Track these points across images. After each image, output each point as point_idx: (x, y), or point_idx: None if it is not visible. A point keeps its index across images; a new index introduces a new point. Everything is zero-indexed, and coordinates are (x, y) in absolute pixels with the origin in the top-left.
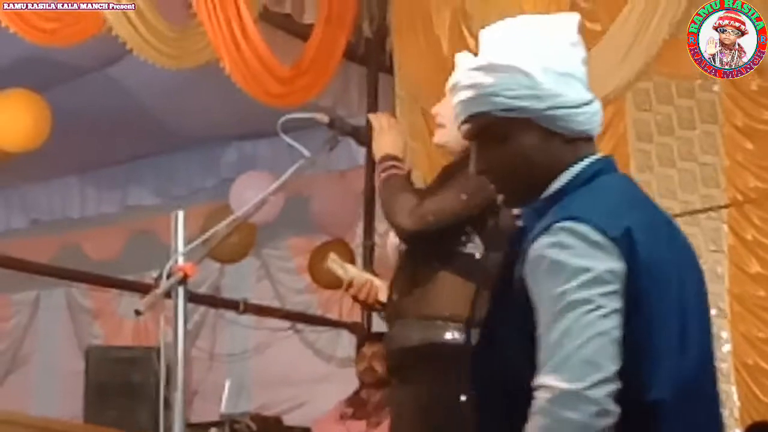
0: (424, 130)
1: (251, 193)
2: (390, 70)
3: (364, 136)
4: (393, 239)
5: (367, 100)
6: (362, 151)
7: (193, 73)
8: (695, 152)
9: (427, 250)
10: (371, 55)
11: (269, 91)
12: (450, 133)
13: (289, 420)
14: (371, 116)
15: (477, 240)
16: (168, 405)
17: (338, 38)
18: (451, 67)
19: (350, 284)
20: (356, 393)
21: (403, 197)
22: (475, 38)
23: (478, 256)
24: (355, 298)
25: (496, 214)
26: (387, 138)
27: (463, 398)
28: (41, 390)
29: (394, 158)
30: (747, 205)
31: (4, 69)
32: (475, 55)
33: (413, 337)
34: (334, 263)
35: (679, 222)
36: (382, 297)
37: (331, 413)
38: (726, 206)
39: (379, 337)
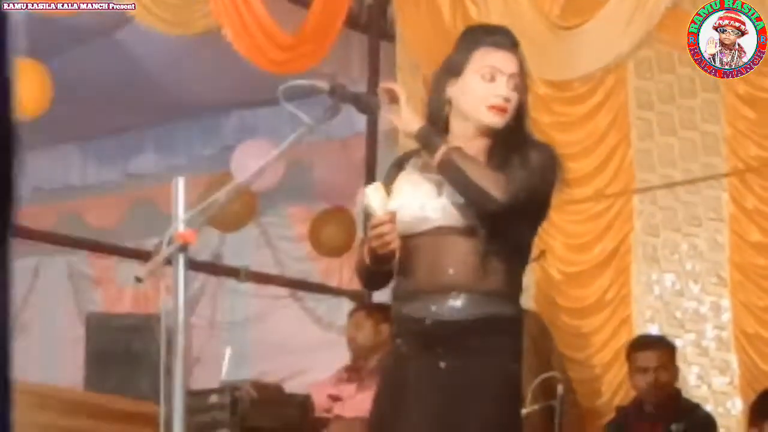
0: (425, 99)
1: (252, 160)
2: (391, 38)
3: (365, 104)
4: (418, 212)
5: (369, 68)
6: (363, 119)
7: (195, 40)
8: (696, 121)
9: (497, 231)
10: (373, 23)
11: (271, 58)
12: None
13: (288, 387)
14: (392, 86)
15: (526, 224)
16: (169, 372)
17: (340, 6)
18: (453, 35)
19: (379, 223)
20: (354, 360)
21: (489, 171)
22: (477, 6)
23: (526, 239)
24: (371, 243)
25: (548, 202)
26: (411, 110)
27: (514, 367)
28: (41, 357)
29: (431, 130)
30: (748, 174)
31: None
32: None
33: (472, 311)
34: (374, 193)
35: (680, 190)
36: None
37: (330, 378)
38: (727, 175)
39: (361, 306)
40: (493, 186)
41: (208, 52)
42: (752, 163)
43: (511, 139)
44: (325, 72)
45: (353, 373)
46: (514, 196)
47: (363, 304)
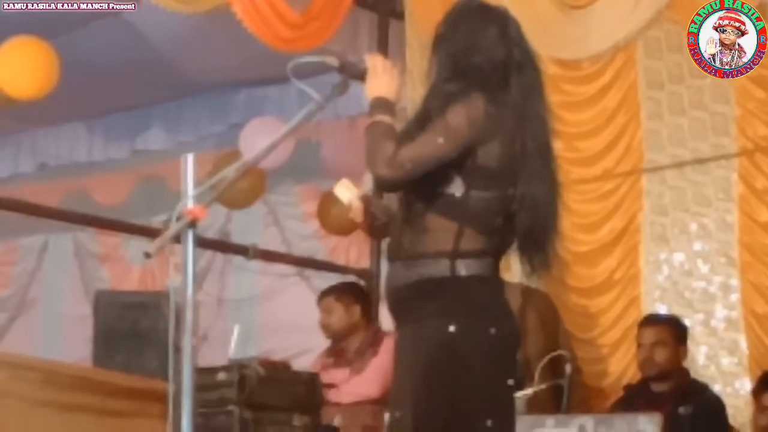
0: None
1: (261, 138)
2: (401, 16)
3: None
4: None
5: (378, 46)
6: None
7: (204, 17)
8: (706, 101)
9: (412, 193)
10: (382, 1)
11: (280, 35)
12: None
13: (295, 365)
14: (368, 57)
15: (457, 179)
16: (177, 349)
17: None
18: None
19: (350, 209)
20: (334, 343)
21: (382, 145)
22: None
23: (458, 194)
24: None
25: (474, 153)
26: (381, 80)
27: (452, 328)
28: (48, 334)
29: (385, 102)
30: (757, 154)
31: (14, 13)
32: None
33: (404, 276)
34: (341, 190)
35: (689, 170)
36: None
37: (314, 365)
38: (736, 155)
39: (328, 291)
40: (381, 162)
41: (216, 29)
42: (762, 144)
43: (432, 96)
44: (334, 50)
45: (338, 357)
46: (399, 171)
47: (331, 288)
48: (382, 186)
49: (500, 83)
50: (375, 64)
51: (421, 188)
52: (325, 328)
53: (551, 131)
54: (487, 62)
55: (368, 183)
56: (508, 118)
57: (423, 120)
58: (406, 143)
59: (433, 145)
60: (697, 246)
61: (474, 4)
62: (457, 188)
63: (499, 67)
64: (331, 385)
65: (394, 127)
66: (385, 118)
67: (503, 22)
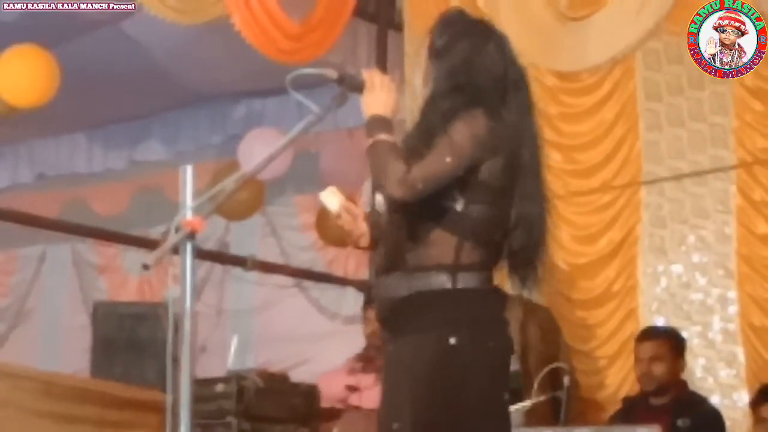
0: None
1: (260, 149)
2: (399, 27)
3: None
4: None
5: (376, 57)
6: None
7: (203, 28)
8: (705, 112)
9: (413, 207)
10: (381, 12)
11: (279, 47)
12: None
13: (293, 376)
14: (365, 72)
15: (458, 194)
16: (175, 360)
17: None
18: None
19: (338, 217)
20: (365, 350)
21: (392, 165)
22: None
23: (459, 208)
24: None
25: (477, 169)
26: (378, 97)
27: (452, 341)
28: (45, 344)
29: (383, 120)
30: (756, 166)
31: (14, 22)
32: None
33: (402, 288)
34: (328, 197)
35: (688, 182)
36: (363, 243)
37: (341, 368)
38: (735, 167)
39: None
40: (390, 182)
41: (215, 40)
42: (760, 156)
43: (431, 110)
44: (333, 61)
45: (367, 363)
46: (411, 191)
47: None
48: (393, 205)
49: (498, 99)
50: (372, 79)
51: (422, 202)
52: (377, 336)
53: (543, 149)
54: (488, 78)
55: (366, 196)
56: (508, 135)
57: (423, 133)
58: (416, 162)
59: (442, 164)
60: (695, 258)
61: (468, 18)
62: (457, 202)
63: (498, 84)
64: (354, 388)
65: (397, 144)
66: (385, 136)
67: (500, 39)
